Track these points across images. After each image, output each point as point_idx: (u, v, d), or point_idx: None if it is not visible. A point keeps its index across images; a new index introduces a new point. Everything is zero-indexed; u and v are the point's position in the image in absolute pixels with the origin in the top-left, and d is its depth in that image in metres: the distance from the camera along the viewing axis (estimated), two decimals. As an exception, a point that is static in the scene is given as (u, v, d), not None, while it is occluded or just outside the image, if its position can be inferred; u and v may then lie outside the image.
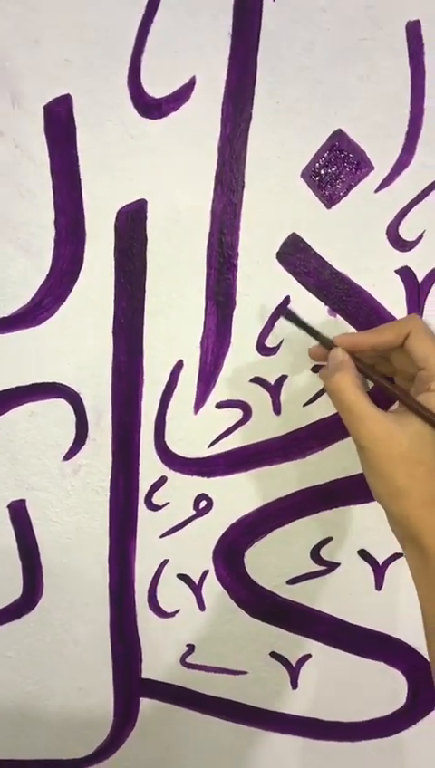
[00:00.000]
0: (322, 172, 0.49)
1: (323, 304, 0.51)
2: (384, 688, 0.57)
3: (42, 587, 0.57)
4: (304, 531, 0.55)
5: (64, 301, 0.51)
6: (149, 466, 0.54)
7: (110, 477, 0.55)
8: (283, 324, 0.51)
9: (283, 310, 0.48)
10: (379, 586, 0.55)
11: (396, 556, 0.54)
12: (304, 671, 0.57)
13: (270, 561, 0.56)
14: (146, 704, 0.59)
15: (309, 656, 0.57)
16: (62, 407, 0.53)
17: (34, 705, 0.59)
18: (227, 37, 0.47)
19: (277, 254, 0.50)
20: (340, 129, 0.48)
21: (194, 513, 0.55)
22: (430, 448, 0.40)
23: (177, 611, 0.57)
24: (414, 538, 0.40)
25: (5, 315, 0.51)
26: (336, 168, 0.49)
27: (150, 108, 0.48)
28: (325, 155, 0.48)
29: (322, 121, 0.48)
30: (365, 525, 0.54)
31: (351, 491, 0.54)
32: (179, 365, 0.52)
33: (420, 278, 0.50)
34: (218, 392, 0.53)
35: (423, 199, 0.49)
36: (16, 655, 0.58)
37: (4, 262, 0.50)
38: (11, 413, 0.53)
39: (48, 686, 0.59)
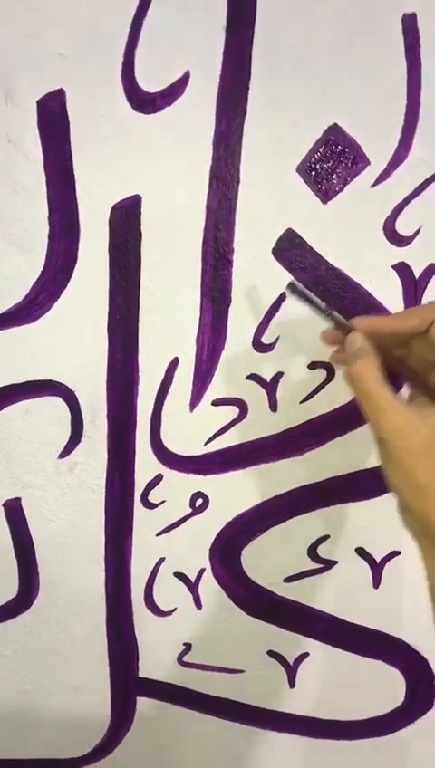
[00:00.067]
0: (317, 167, 0.48)
1: (319, 300, 0.50)
2: (382, 687, 0.56)
3: (38, 586, 0.57)
4: (301, 528, 0.54)
5: (59, 297, 0.51)
6: (145, 464, 0.54)
7: (105, 475, 0.54)
8: (280, 320, 0.51)
9: (288, 284, 0.44)
10: (376, 584, 0.55)
11: (394, 554, 0.54)
12: (302, 670, 0.57)
13: (267, 559, 0.55)
14: (143, 703, 0.59)
15: (307, 654, 0.57)
16: (57, 404, 0.53)
17: (31, 705, 0.59)
18: (222, 31, 0.47)
19: (273, 249, 0.50)
20: (335, 124, 0.48)
21: (190, 511, 0.55)
22: None
23: (173, 610, 0.57)
24: (433, 534, 0.39)
25: (-1, 312, 0.51)
26: (332, 163, 0.48)
27: (145, 103, 0.48)
28: (321, 149, 0.48)
29: (317, 116, 0.48)
30: (363, 523, 0.54)
31: (348, 488, 0.53)
32: (175, 362, 0.52)
33: (417, 274, 0.50)
34: (214, 389, 0.53)
35: (420, 194, 0.48)
36: (13, 654, 0.58)
37: (-3, 258, 0.50)
38: (5, 411, 0.53)
39: (45, 685, 0.59)
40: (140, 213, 0.49)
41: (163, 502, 0.55)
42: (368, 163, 0.48)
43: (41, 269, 0.50)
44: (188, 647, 0.57)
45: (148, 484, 0.54)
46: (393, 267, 0.49)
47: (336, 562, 0.55)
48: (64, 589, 0.57)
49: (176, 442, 0.54)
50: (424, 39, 0.46)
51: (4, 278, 0.50)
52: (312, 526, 0.54)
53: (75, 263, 0.50)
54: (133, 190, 0.49)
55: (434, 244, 0.49)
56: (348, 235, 0.49)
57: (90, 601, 0.57)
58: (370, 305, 0.50)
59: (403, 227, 0.49)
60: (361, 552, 0.54)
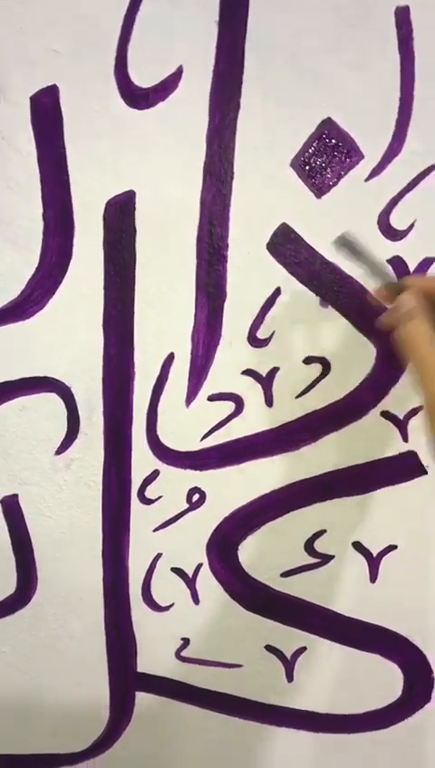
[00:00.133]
0: (311, 161, 0.48)
1: (314, 295, 0.51)
2: (380, 681, 0.57)
3: (36, 582, 0.57)
4: (298, 523, 0.54)
5: (54, 294, 0.51)
6: (142, 460, 0.54)
7: (102, 471, 0.54)
8: (275, 315, 0.51)
9: (338, 237, 0.43)
10: (373, 578, 0.55)
11: (390, 548, 0.54)
12: (300, 664, 0.57)
13: (264, 554, 0.55)
14: (142, 697, 0.59)
15: (304, 648, 0.57)
16: (53, 401, 0.53)
17: (30, 701, 0.59)
18: (214, 26, 0.47)
19: (268, 244, 0.50)
20: (329, 118, 0.48)
21: (187, 506, 0.55)
22: None
23: (171, 605, 0.57)
24: None
25: (-5, 309, 0.51)
26: (326, 157, 0.48)
27: (138, 98, 0.48)
28: (315, 144, 0.48)
29: (311, 110, 0.48)
30: (359, 518, 0.54)
31: (345, 483, 0.53)
32: (170, 358, 0.52)
33: (411, 268, 0.49)
34: (210, 385, 0.53)
35: (414, 188, 0.48)
36: (11, 650, 0.58)
37: (-8, 255, 0.50)
38: (1, 408, 0.53)
39: (44, 681, 0.59)
40: (134, 208, 0.49)
41: (160, 497, 0.55)
42: (362, 157, 0.48)
43: (36, 265, 0.50)
44: (186, 642, 0.57)
45: (144, 479, 0.54)
46: (388, 261, 0.49)
47: (333, 557, 0.55)
48: (62, 585, 0.57)
49: (172, 438, 0.54)
50: (417, 32, 0.46)
51: (-1, 275, 0.50)
52: (308, 521, 0.54)
53: (70, 259, 0.50)
54: (127, 186, 0.49)
55: (429, 237, 0.49)
56: (342, 229, 0.49)
57: (88, 597, 0.57)
58: (365, 300, 0.50)
59: (398, 221, 0.49)
60: (357, 546, 0.54)
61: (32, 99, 0.48)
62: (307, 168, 0.48)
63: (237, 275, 0.50)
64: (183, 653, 0.58)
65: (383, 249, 0.49)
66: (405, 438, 0.52)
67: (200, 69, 0.47)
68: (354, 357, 0.51)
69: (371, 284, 0.50)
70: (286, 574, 0.55)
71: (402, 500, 0.53)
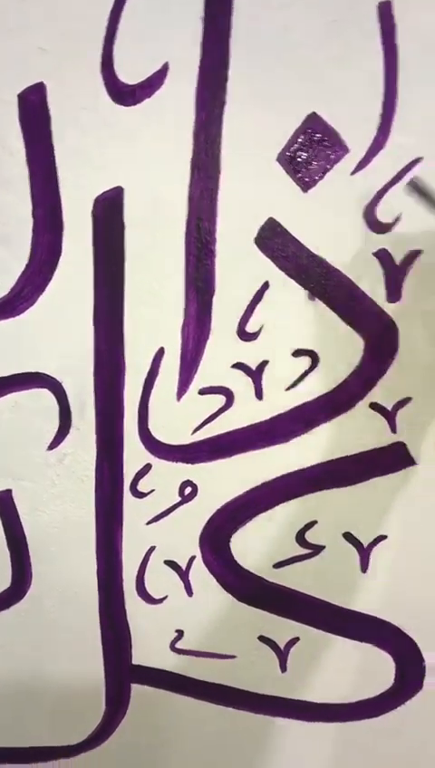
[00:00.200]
0: (297, 156, 0.49)
1: (302, 288, 0.51)
2: (372, 669, 0.57)
3: (30, 576, 0.57)
4: (289, 515, 0.55)
5: (44, 290, 0.51)
6: (134, 454, 0.54)
7: (94, 466, 0.55)
8: (263, 309, 0.51)
9: (409, 181, 0.43)
10: (364, 568, 0.55)
11: (381, 538, 0.55)
12: (293, 654, 0.58)
13: (256, 546, 0.56)
14: (137, 690, 0.60)
15: (297, 639, 0.57)
16: (45, 396, 0.53)
17: (26, 694, 0.60)
18: (199, 22, 0.47)
19: (256, 238, 0.50)
20: (314, 112, 0.48)
21: (179, 499, 0.55)
22: None
23: (165, 597, 0.57)
24: None
25: (-15, 306, 0.52)
26: (311, 152, 0.49)
27: (124, 95, 0.48)
28: (300, 138, 0.48)
29: (296, 104, 0.48)
30: (350, 508, 0.55)
31: (335, 474, 0.54)
32: (161, 352, 0.53)
33: (397, 260, 0.50)
34: (201, 378, 0.53)
35: (400, 180, 0.49)
36: (6, 644, 0.59)
37: (-18, 252, 0.51)
38: (-6, 404, 0.53)
39: (39, 674, 0.59)
40: (122, 205, 0.50)
41: (152, 491, 0.55)
42: (347, 151, 0.48)
43: (26, 262, 0.51)
44: (180, 633, 0.58)
45: (137, 473, 0.55)
46: (374, 254, 0.50)
47: (324, 548, 0.55)
48: (57, 579, 0.57)
49: (164, 431, 0.54)
50: (400, 26, 0.46)
51: (-11, 272, 0.51)
52: (299, 512, 0.55)
53: (60, 255, 0.51)
54: (115, 182, 0.49)
55: (414, 230, 0.50)
56: (329, 222, 0.50)
57: (82, 591, 0.57)
58: (352, 293, 0.51)
59: (383, 214, 0.49)
60: (348, 536, 0.55)
61: (19, 96, 0.48)
62: (293, 162, 0.49)
63: (226, 270, 0.51)
64: (178, 645, 0.58)
65: (370, 242, 0.50)
66: (394, 429, 0.52)
67: (186, 65, 0.48)
68: (342, 349, 0.52)
69: (357, 277, 0.50)
70: (278, 565, 0.56)
71: (392, 490, 0.53)
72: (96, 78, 0.48)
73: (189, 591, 0.57)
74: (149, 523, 0.56)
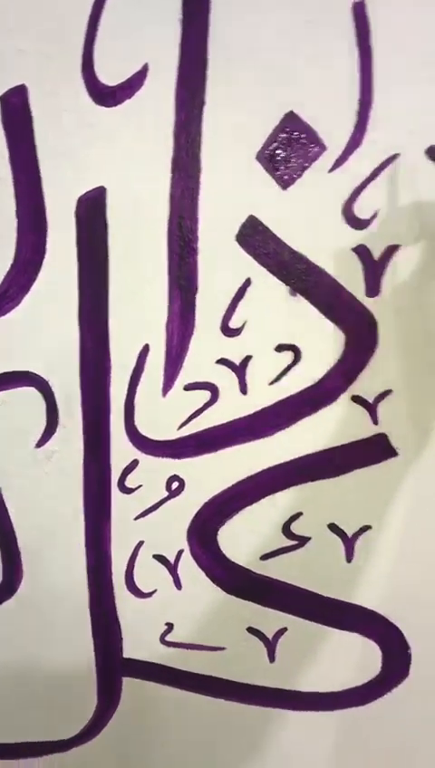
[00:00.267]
0: (276, 154, 0.50)
1: (283, 284, 0.52)
2: (359, 658, 0.58)
3: (21, 573, 0.58)
4: (275, 507, 0.56)
5: (29, 290, 0.52)
6: (121, 450, 0.55)
7: (82, 462, 0.55)
8: (246, 305, 0.52)
9: (428, 148, 0.45)
10: (349, 558, 0.56)
11: (365, 528, 0.56)
12: (281, 644, 0.58)
13: (243, 538, 0.57)
14: (128, 683, 0.60)
15: (285, 629, 0.58)
16: (31, 395, 0.54)
17: (18, 689, 0.60)
18: (178, 24, 0.48)
19: (237, 236, 0.51)
20: (292, 111, 0.49)
21: (166, 494, 0.56)
22: None
23: (154, 591, 0.58)
24: None
25: (-29, 306, 0.52)
26: (290, 150, 0.49)
27: (105, 96, 0.49)
28: (279, 137, 0.49)
29: (274, 104, 0.49)
30: (334, 500, 0.56)
31: (319, 466, 0.55)
32: (146, 349, 0.53)
33: (376, 255, 0.51)
34: (185, 375, 0.54)
35: (376, 177, 0.50)
36: (-1, 640, 0.60)
37: (-33, 253, 0.51)
38: (-19, 402, 0.54)
39: (30, 669, 0.60)
40: (105, 204, 0.51)
41: (140, 486, 0.56)
42: (325, 149, 0.49)
43: (10, 263, 0.52)
44: (170, 626, 0.59)
45: (124, 469, 0.56)
46: (353, 250, 0.51)
47: (310, 539, 0.56)
48: (47, 575, 0.58)
49: (150, 427, 0.55)
50: (374, 25, 0.47)
51: (-26, 272, 0.51)
52: (285, 504, 0.56)
53: (44, 255, 0.52)
54: (97, 182, 0.50)
55: (392, 225, 0.51)
56: (308, 219, 0.50)
57: (72, 586, 0.58)
58: (332, 288, 0.51)
59: (361, 211, 0.50)
60: (333, 527, 0.56)
61: (1, 99, 0.49)
62: (272, 160, 0.50)
63: (208, 267, 0.52)
64: (167, 638, 0.59)
65: (348, 238, 0.51)
66: (375, 422, 0.53)
67: (165, 66, 0.48)
68: (324, 343, 0.53)
69: (337, 273, 0.51)
70: (265, 557, 0.57)
71: (375, 481, 0.54)
72: (77, 79, 0.49)
73: (178, 585, 0.58)
74: (137, 518, 0.57)
